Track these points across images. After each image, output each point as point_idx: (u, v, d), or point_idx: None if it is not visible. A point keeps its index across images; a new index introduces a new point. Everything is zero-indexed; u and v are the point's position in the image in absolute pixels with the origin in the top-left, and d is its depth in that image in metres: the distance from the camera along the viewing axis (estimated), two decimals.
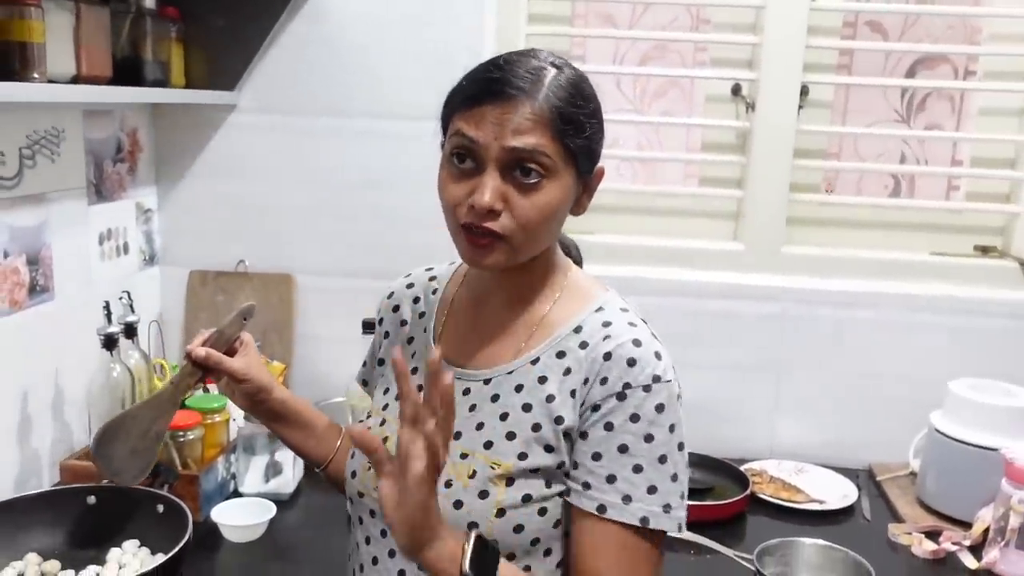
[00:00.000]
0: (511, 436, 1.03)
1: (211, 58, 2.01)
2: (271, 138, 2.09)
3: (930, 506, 1.83)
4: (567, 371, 1.04)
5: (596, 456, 1.00)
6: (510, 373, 1.07)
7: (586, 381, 1.02)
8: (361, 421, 1.20)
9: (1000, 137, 2.09)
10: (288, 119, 2.08)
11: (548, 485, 1.02)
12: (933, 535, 1.72)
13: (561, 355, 1.05)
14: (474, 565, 0.91)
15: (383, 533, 1.09)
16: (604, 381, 1.01)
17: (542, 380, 1.05)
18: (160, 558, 1.33)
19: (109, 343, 1.69)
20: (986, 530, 1.66)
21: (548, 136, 0.98)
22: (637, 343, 1.02)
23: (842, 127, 2.17)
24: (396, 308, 1.23)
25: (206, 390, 1.81)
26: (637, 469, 0.99)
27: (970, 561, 1.64)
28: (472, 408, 1.07)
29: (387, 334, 1.23)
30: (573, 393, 1.03)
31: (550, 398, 1.03)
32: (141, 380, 1.76)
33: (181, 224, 2.16)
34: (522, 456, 1.02)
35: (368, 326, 1.29)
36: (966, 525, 1.73)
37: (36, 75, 1.41)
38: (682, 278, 2.09)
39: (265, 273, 2.15)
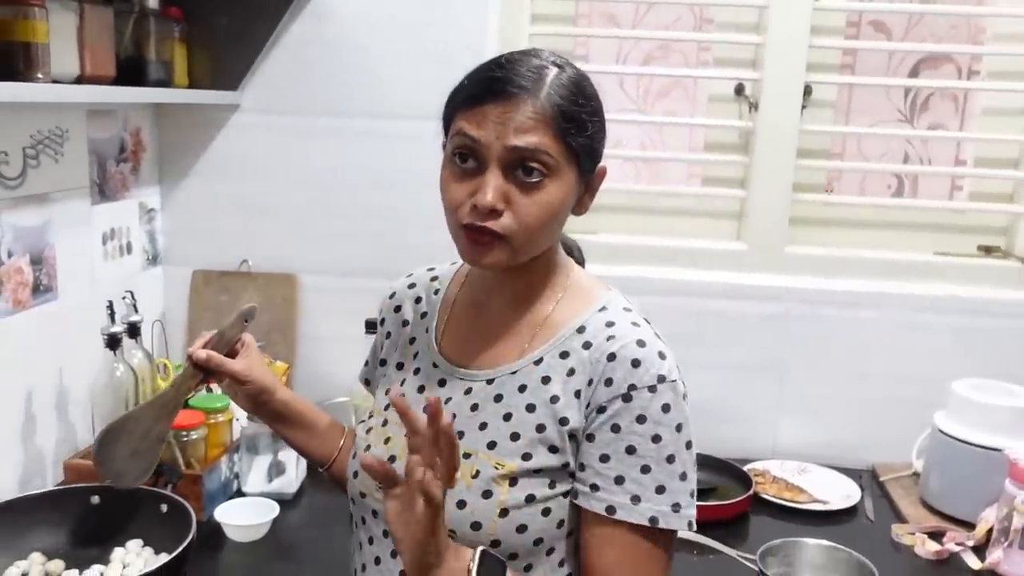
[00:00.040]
0: (515, 436, 1.03)
1: (214, 58, 2.01)
2: (274, 138, 2.09)
3: (933, 506, 1.83)
4: (571, 371, 1.04)
5: (604, 458, 1.00)
6: (513, 373, 1.07)
7: (590, 382, 1.02)
8: (363, 421, 1.20)
9: (1004, 137, 2.08)
10: (291, 119, 2.08)
11: (552, 486, 1.02)
12: (936, 536, 1.72)
13: (565, 355, 1.05)
14: None
15: (385, 533, 1.09)
16: (609, 382, 1.01)
17: (546, 380, 1.05)
18: (164, 558, 1.33)
19: (112, 343, 1.69)
20: (989, 531, 1.66)
21: (550, 135, 0.98)
22: (641, 343, 1.02)
23: (845, 127, 2.16)
24: (398, 308, 1.23)
25: (209, 390, 1.82)
26: (645, 470, 0.99)
27: (973, 562, 1.64)
28: (474, 408, 1.07)
29: (389, 334, 1.23)
30: (578, 394, 1.03)
31: (554, 399, 1.03)
32: (144, 380, 1.76)
33: (184, 224, 2.16)
34: (526, 456, 1.02)
35: (371, 326, 1.29)
36: (969, 526, 1.73)
37: (40, 75, 1.41)
38: (685, 278, 2.09)
39: (268, 273, 2.15)
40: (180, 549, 1.29)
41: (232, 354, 1.23)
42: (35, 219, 1.69)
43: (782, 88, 2.05)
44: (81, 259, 1.84)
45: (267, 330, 2.11)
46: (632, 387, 1.00)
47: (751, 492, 1.82)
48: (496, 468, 1.02)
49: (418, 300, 1.21)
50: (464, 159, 1.00)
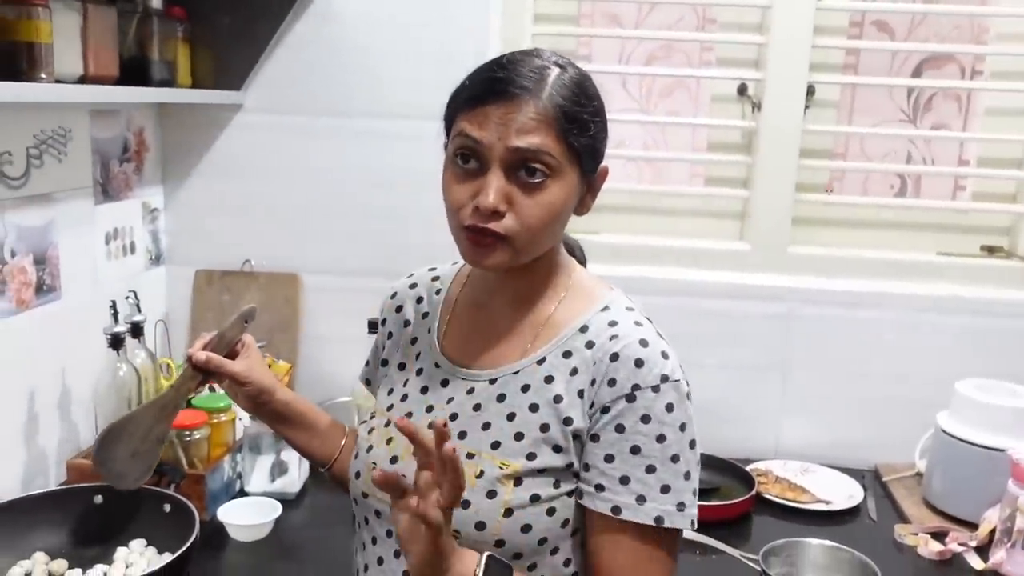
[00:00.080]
0: (519, 436, 1.03)
1: (217, 58, 2.01)
2: (277, 138, 2.09)
3: (936, 507, 1.83)
4: (574, 371, 1.04)
5: (608, 458, 1.00)
6: (516, 373, 1.07)
7: (593, 382, 1.02)
8: (364, 422, 1.20)
9: (1007, 137, 2.08)
10: (294, 119, 2.08)
11: (556, 485, 1.02)
12: (939, 536, 1.72)
13: (567, 355, 1.05)
14: None
15: (388, 533, 1.09)
16: (612, 383, 1.01)
17: (548, 380, 1.05)
18: (167, 557, 1.34)
19: (115, 342, 1.70)
20: (992, 531, 1.66)
21: (552, 136, 0.97)
22: (644, 343, 1.02)
23: (848, 127, 2.16)
24: (399, 308, 1.23)
25: (212, 390, 1.82)
26: (650, 469, 0.99)
27: (976, 562, 1.64)
28: (477, 408, 1.07)
29: (390, 334, 1.23)
30: (581, 394, 1.03)
31: (557, 398, 1.03)
32: (147, 379, 1.76)
33: (187, 224, 2.17)
34: (531, 456, 1.02)
35: (374, 326, 1.29)
36: (972, 526, 1.73)
37: (43, 75, 1.41)
38: (688, 278, 2.08)
39: (271, 273, 2.15)
40: (183, 549, 1.29)
41: (232, 355, 1.23)
42: (38, 219, 1.69)
43: (785, 88, 2.05)
44: (84, 259, 1.85)
45: (269, 330, 2.11)
46: (636, 387, 1.00)
47: (754, 492, 1.82)
48: (501, 468, 1.02)
49: (420, 300, 1.22)
50: (466, 160, 1.00)
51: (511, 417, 1.04)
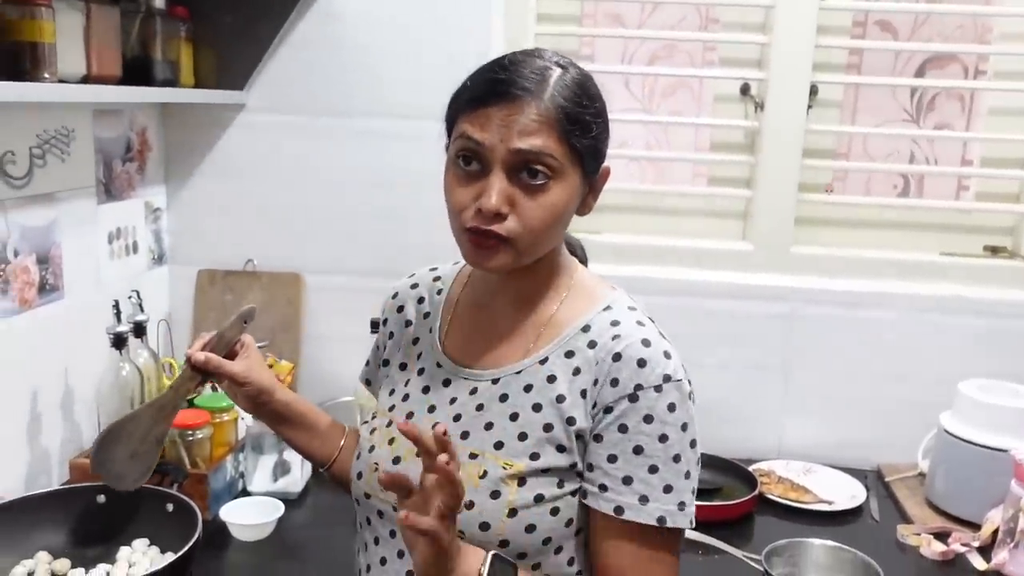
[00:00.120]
0: (523, 437, 1.03)
1: (220, 58, 2.01)
2: (280, 138, 2.09)
3: (939, 507, 1.83)
4: (576, 371, 1.04)
5: (612, 458, 1.00)
6: (518, 373, 1.07)
7: (596, 382, 1.02)
8: (366, 422, 1.20)
9: (1010, 137, 2.07)
10: (297, 119, 2.08)
11: (560, 485, 1.02)
12: (942, 536, 1.72)
13: (570, 355, 1.05)
14: None
15: (392, 534, 1.09)
16: (615, 382, 1.01)
17: (551, 380, 1.05)
18: (170, 557, 1.34)
19: (118, 342, 1.70)
20: (995, 531, 1.66)
21: (554, 137, 0.97)
22: (646, 343, 1.02)
23: (851, 127, 2.16)
24: (400, 308, 1.23)
25: (215, 390, 1.82)
26: (653, 470, 0.99)
27: (979, 562, 1.64)
28: (480, 408, 1.07)
29: (392, 334, 1.23)
30: (584, 394, 1.03)
31: (560, 398, 1.03)
32: (150, 379, 1.77)
33: (190, 223, 2.17)
34: (534, 456, 1.02)
35: (376, 325, 1.30)
36: (975, 526, 1.73)
37: (47, 75, 1.41)
38: (690, 278, 2.08)
39: (273, 272, 2.15)
40: (186, 548, 1.29)
41: (232, 355, 1.22)
42: (41, 218, 1.70)
43: (788, 88, 2.04)
44: (87, 258, 1.85)
45: (271, 329, 2.11)
46: (638, 387, 1.00)
47: (756, 492, 1.82)
48: (504, 468, 1.02)
49: (421, 300, 1.21)
50: (468, 162, 1.00)
51: (514, 417, 1.04)
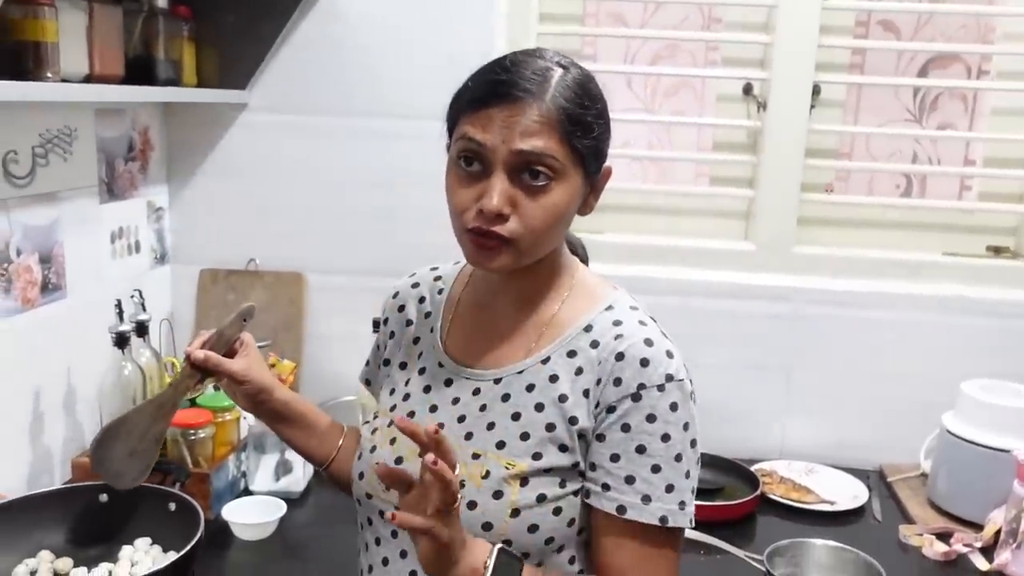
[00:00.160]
0: (525, 436, 1.03)
1: (223, 57, 2.01)
2: (282, 137, 2.10)
3: (941, 507, 1.83)
4: (579, 370, 1.04)
5: (614, 457, 1.00)
6: (520, 373, 1.07)
7: (599, 381, 1.02)
8: (367, 422, 1.20)
9: (1013, 137, 2.07)
10: (299, 118, 2.08)
11: (562, 485, 1.02)
12: (944, 536, 1.72)
13: (572, 354, 1.05)
14: None
15: (393, 534, 1.09)
16: (618, 382, 1.01)
17: (553, 379, 1.05)
18: (172, 556, 1.34)
19: (120, 341, 1.70)
20: (997, 532, 1.66)
21: (556, 138, 0.97)
22: (649, 343, 1.02)
23: (854, 127, 2.16)
24: (401, 308, 1.23)
25: (216, 389, 1.82)
26: (655, 469, 0.99)
27: (981, 563, 1.64)
28: (483, 408, 1.07)
29: (392, 334, 1.23)
30: (586, 393, 1.03)
31: (563, 398, 1.03)
32: (152, 378, 1.77)
33: (192, 222, 2.17)
34: (536, 456, 1.02)
35: (378, 325, 1.30)
36: (977, 527, 1.73)
37: (49, 74, 1.42)
38: (693, 278, 2.08)
39: (276, 272, 2.15)
40: (188, 547, 1.29)
41: (231, 354, 1.22)
42: (44, 218, 1.70)
43: (791, 88, 2.04)
44: (89, 258, 1.85)
45: (274, 329, 2.11)
46: (641, 386, 1.00)
47: (758, 492, 1.82)
48: (507, 468, 1.02)
49: (422, 300, 1.21)
50: (469, 163, 1.00)
51: (516, 417, 1.04)
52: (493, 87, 0.99)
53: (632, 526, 1.00)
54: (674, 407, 1.00)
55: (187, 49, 1.91)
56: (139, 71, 1.74)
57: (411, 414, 1.12)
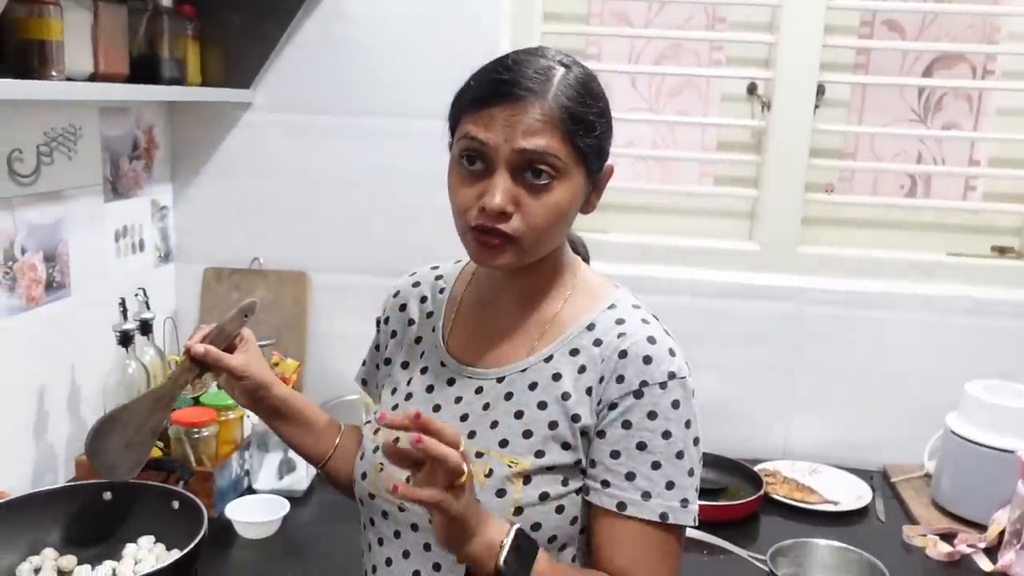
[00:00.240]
0: (528, 434, 1.03)
1: (227, 56, 2.02)
2: (286, 136, 2.10)
3: (945, 508, 1.82)
4: (582, 369, 1.04)
5: (615, 454, 1.01)
6: (523, 371, 1.07)
7: (602, 379, 1.02)
8: (368, 422, 1.20)
9: (1018, 137, 2.07)
10: (303, 117, 2.08)
11: (565, 483, 1.02)
12: (948, 537, 1.72)
13: (575, 353, 1.05)
14: (511, 559, 0.92)
15: (396, 534, 1.09)
16: (621, 379, 1.01)
17: (556, 378, 1.05)
18: (175, 554, 1.34)
19: (125, 340, 1.70)
20: (1002, 532, 1.65)
21: (558, 137, 0.97)
22: (652, 340, 1.02)
23: (858, 126, 2.16)
24: (403, 307, 1.23)
25: (219, 387, 1.82)
26: (655, 466, 1.00)
27: (985, 564, 1.63)
28: (486, 407, 1.07)
29: (394, 333, 1.23)
30: (589, 391, 1.03)
31: (565, 396, 1.03)
32: (156, 377, 1.77)
33: (196, 221, 2.17)
34: (539, 454, 1.02)
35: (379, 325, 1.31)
36: (981, 527, 1.72)
37: (54, 73, 1.42)
38: (697, 278, 2.08)
39: (280, 270, 2.15)
40: (192, 545, 1.29)
41: (231, 349, 1.22)
42: (48, 216, 1.70)
43: (795, 87, 2.04)
44: (94, 256, 1.85)
45: (278, 327, 2.11)
46: (644, 383, 1.00)
47: (762, 492, 1.82)
48: (510, 466, 1.02)
49: (423, 299, 1.21)
50: (472, 161, 1.00)
51: (519, 415, 1.04)
52: (495, 86, 0.99)
53: (632, 523, 1.00)
54: (676, 404, 1.00)
55: (191, 48, 1.92)
56: (144, 70, 1.74)
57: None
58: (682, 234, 2.18)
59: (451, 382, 1.11)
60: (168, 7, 1.80)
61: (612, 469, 1.01)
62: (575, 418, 1.02)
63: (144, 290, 1.83)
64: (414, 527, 1.07)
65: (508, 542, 0.93)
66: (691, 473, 1.01)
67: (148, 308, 1.81)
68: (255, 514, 1.65)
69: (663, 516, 0.99)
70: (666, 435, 1.00)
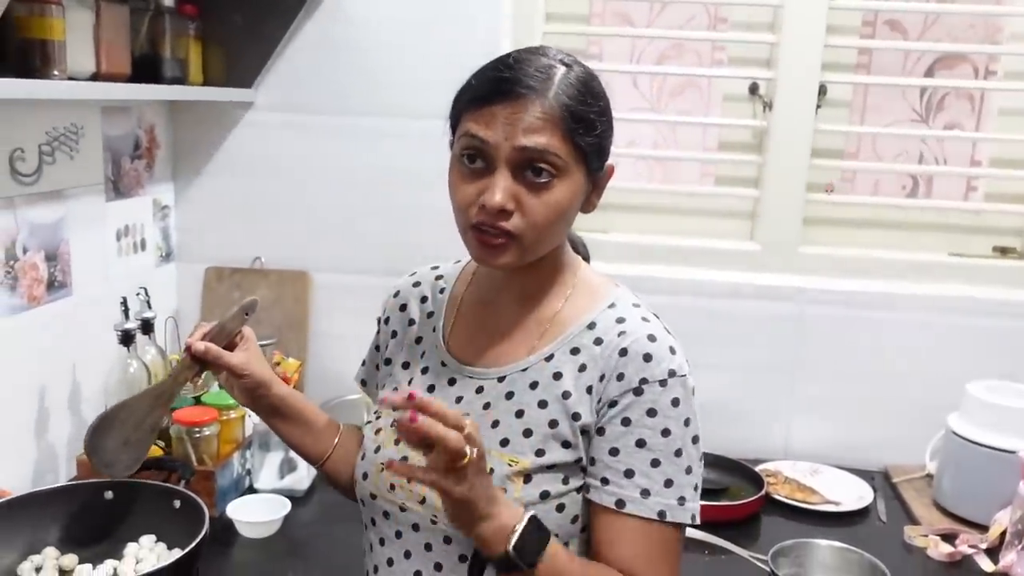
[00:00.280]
0: (528, 433, 1.03)
1: (229, 56, 2.02)
2: (288, 136, 2.10)
3: (946, 508, 1.82)
4: (582, 367, 1.04)
5: (613, 451, 1.01)
6: (524, 370, 1.07)
7: (602, 377, 1.02)
8: (369, 422, 1.20)
9: (1020, 137, 2.07)
10: (304, 117, 2.09)
11: (565, 481, 1.02)
12: (949, 538, 1.71)
13: (575, 352, 1.06)
14: (520, 545, 0.92)
15: (397, 534, 1.09)
16: (621, 377, 1.01)
17: (557, 376, 1.05)
18: (176, 553, 1.34)
19: (126, 339, 1.71)
20: (1003, 533, 1.65)
21: (559, 135, 0.97)
22: (652, 338, 1.03)
23: (860, 127, 2.15)
24: (403, 307, 1.23)
25: (220, 386, 1.82)
26: (654, 463, 1.00)
27: (986, 564, 1.63)
28: (486, 406, 1.07)
29: (394, 333, 1.23)
30: (589, 389, 1.03)
31: (566, 394, 1.03)
32: (157, 376, 1.77)
33: (198, 221, 2.17)
34: (540, 453, 1.02)
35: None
36: (983, 528, 1.72)
37: (56, 72, 1.42)
38: (698, 278, 2.08)
39: (281, 270, 2.15)
40: (193, 545, 1.29)
41: (231, 347, 1.22)
42: (50, 215, 1.70)
43: (797, 87, 2.04)
44: (95, 255, 1.85)
45: (279, 327, 2.11)
46: (643, 381, 1.00)
47: (763, 493, 1.82)
48: (510, 465, 1.02)
49: (424, 299, 1.21)
50: (472, 160, 1.00)
51: (520, 414, 1.04)
52: (496, 84, 0.99)
53: (631, 520, 1.00)
54: (675, 402, 1.01)
55: (193, 48, 1.92)
56: (145, 69, 1.74)
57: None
58: (683, 234, 2.18)
59: (452, 382, 1.12)
60: (170, 7, 1.80)
61: (611, 466, 1.01)
62: (575, 417, 1.02)
63: (145, 289, 1.83)
64: (415, 527, 1.07)
65: (520, 527, 0.93)
66: (689, 471, 1.01)
67: (149, 307, 1.81)
68: (256, 513, 1.65)
69: (661, 514, 0.99)
70: (665, 433, 1.00)
